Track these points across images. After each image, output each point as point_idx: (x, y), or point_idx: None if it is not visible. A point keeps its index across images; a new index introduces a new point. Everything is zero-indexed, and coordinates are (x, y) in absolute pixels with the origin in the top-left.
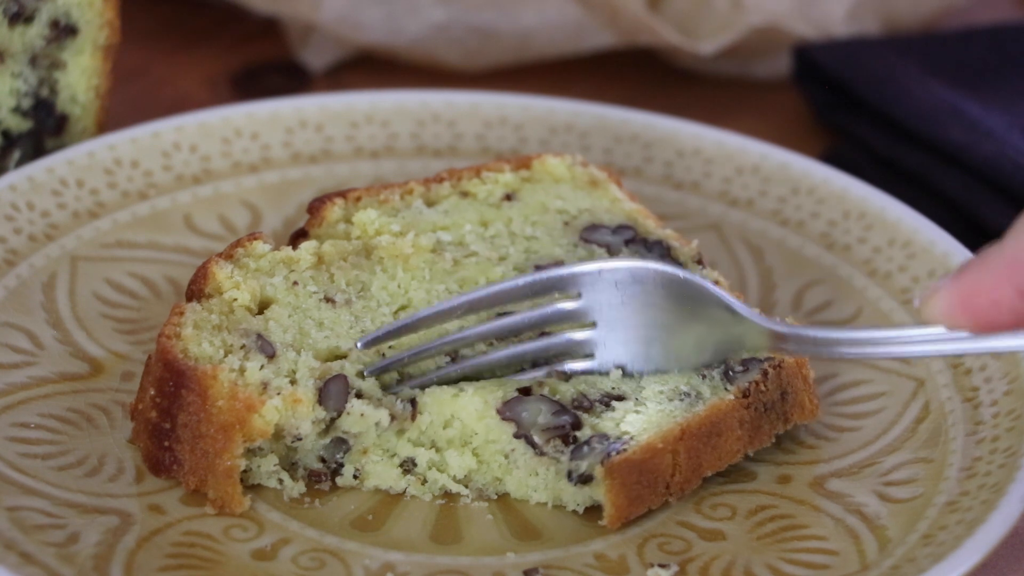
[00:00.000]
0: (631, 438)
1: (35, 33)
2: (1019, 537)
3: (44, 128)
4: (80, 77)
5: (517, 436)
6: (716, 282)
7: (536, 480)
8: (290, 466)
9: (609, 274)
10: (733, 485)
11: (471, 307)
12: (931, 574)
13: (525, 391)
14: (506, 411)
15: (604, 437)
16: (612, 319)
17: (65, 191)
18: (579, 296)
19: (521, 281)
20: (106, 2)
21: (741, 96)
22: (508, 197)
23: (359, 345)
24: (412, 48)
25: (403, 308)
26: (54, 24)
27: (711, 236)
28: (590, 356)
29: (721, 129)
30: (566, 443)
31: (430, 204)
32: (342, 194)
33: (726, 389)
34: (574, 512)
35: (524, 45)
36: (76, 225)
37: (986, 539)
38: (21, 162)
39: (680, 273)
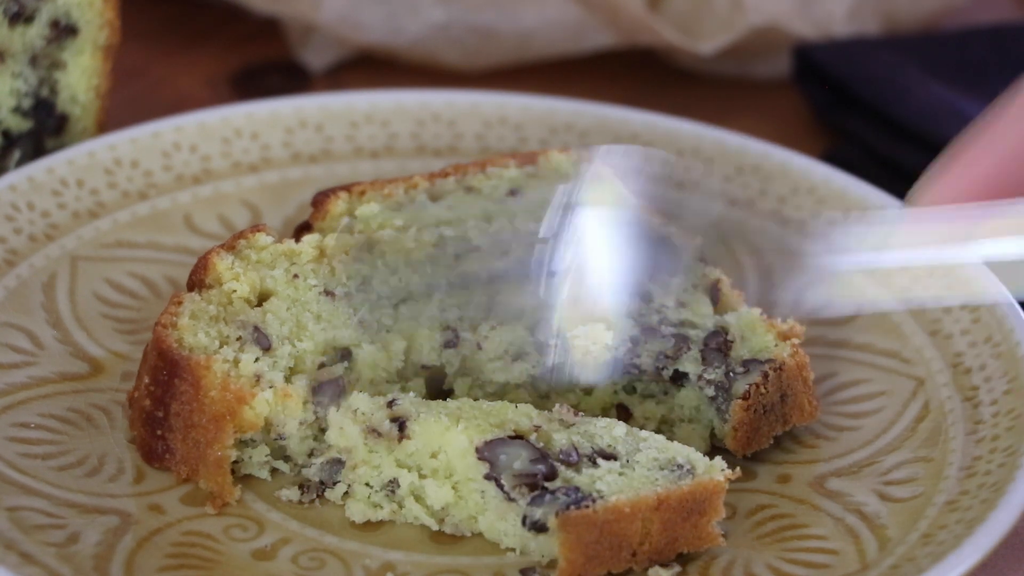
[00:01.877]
0: (600, 496)
1: (35, 33)
2: (1019, 537)
3: (44, 128)
4: (80, 77)
5: (487, 478)
6: (718, 280)
7: (504, 525)
8: (283, 457)
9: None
10: (733, 485)
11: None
12: (931, 574)
13: (517, 436)
14: (485, 451)
15: (573, 490)
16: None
17: (65, 191)
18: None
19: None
20: (106, 2)
21: (741, 96)
22: (512, 192)
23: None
24: (412, 48)
25: (403, 301)
26: (54, 24)
27: (711, 235)
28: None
29: (721, 129)
30: (532, 491)
31: (434, 199)
32: (346, 188)
33: (721, 414)
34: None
35: (524, 45)
36: (76, 225)
37: (986, 539)
38: (21, 162)
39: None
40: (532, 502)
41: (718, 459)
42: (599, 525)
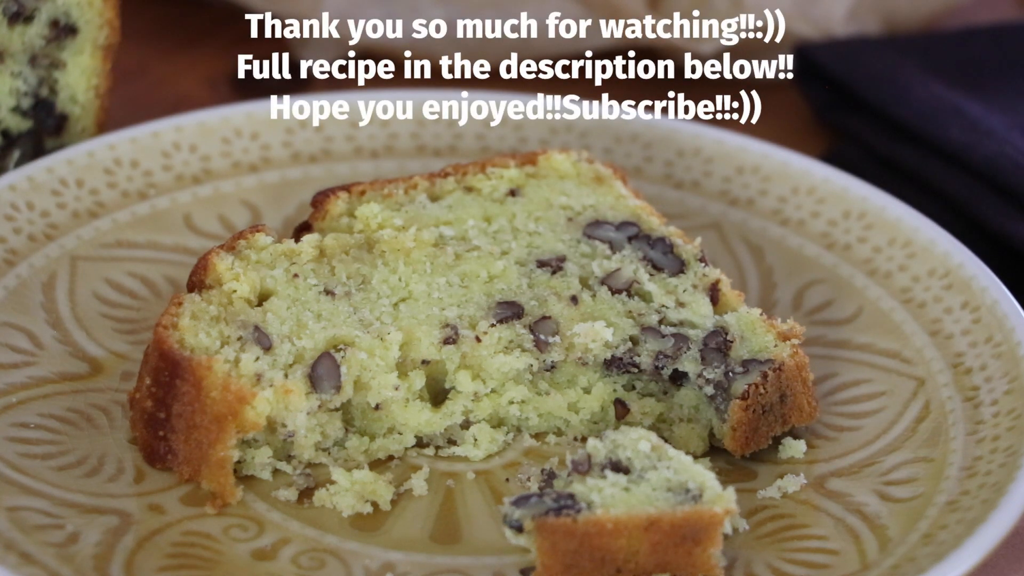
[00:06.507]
0: (587, 507)
1: (35, 33)
2: (1019, 537)
3: (44, 128)
4: (80, 77)
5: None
6: (717, 280)
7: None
8: (286, 458)
9: None
10: (733, 485)
11: None
12: (931, 574)
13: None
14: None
15: (565, 496)
16: None
17: (65, 191)
18: None
19: None
20: (106, 2)
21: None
22: (512, 193)
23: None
24: (412, 48)
25: (403, 300)
26: (54, 24)
27: (711, 235)
28: None
29: (721, 129)
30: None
31: (434, 199)
32: (346, 188)
33: (720, 413)
34: None
35: (524, 45)
36: (76, 225)
37: (986, 539)
38: (21, 162)
39: None
40: (516, 502)
41: (729, 490)
42: (578, 536)
